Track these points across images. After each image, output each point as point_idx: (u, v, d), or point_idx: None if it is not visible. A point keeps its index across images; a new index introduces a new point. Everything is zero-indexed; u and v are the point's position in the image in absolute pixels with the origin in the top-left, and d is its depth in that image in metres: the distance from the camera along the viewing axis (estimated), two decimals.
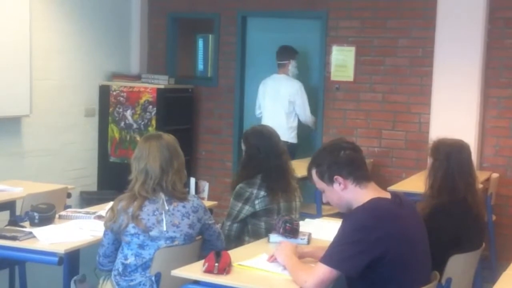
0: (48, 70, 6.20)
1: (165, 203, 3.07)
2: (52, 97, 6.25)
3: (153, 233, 3.04)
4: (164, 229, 3.05)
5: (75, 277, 3.20)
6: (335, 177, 2.72)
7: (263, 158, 3.65)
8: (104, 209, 3.84)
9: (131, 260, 3.06)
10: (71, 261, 3.22)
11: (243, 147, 3.77)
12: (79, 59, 6.53)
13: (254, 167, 3.65)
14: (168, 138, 3.18)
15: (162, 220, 3.05)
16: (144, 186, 3.06)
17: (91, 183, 6.70)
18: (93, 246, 3.29)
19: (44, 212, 3.54)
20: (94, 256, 3.34)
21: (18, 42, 5.71)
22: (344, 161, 2.72)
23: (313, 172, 2.78)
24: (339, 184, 2.71)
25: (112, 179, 6.61)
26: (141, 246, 3.04)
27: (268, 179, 3.62)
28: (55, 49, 6.27)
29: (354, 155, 2.75)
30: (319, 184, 2.78)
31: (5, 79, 5.60)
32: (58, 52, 6.31)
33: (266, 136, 3.74)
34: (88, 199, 6.12)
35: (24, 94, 5.80)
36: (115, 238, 3.11)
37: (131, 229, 3.03)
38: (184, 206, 3.12)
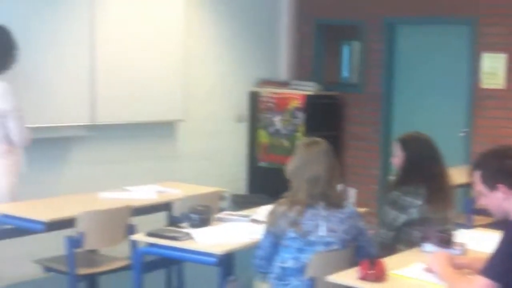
0: (201, 77, 6.44)
1: (323, 208, 3.11)
2: (204, 102, 6.49)
3: (311, 238, 3.08)
4: (322, 234, 3.08)
5: (229, 278, 3.30)
6: (499, 185, 2.62)
7: (425, 165, 3.56)
8: (257, 212, 3.94)
9: (289, 264, 3.11)
10: (228, 262, 3.33)
11: (399, 153, 3.64)
12: (229, 66, 6.74)
13: (415, 174, 3.55)
14: (322, 143, 3.21)
15: (320, 225, 3.09)
16: (304, 192, 3.10)
17: (241, 187, 6.88)
18: (249, 249, 3.38)
19: (202, 214, 3.67)
20: (247, 258, 3.45)
21: (174, 49, 5.99)
22: (511, 170, 2.62)
23: (477, 174, 2.70)
24: (502, 192, 2.62)
25: (261, 183, 6.78)
26: (300, 251, 3.09)
27: (427, 187, 3.53)
28: (207, 56, 6.51)
29: None
30: (479, 187, 2.70)
31: (161, 85, 5.88)
32: (210, 59, 6.55)
33: (428, 142, 3.64)
34: (239, 203, 6.29)
35: (179, 99, 6.08)
36: (274, 242, 3.15)
37: (290, 233, 3.08)
38: (341, 212, 3.15)
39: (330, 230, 3.10)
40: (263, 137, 6.87)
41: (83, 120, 5.31)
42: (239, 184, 6.85)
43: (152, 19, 5.81)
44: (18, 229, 3.91)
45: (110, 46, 5.46)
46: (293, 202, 3.11)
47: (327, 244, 3.09)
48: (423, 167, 3.56)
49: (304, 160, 3.15)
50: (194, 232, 3.47)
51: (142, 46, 5.72)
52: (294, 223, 3.06)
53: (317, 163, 3.12)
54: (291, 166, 3.19)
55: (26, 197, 4.29)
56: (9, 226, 3.96)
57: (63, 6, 5.15)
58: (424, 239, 3.33)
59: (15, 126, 4.08)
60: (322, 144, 3.20)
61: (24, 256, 4.49)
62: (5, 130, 4.10)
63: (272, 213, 3.15)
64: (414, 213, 3.53)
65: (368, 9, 6.79)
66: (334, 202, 3.13)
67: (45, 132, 4.81)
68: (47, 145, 5.00)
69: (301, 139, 3.43)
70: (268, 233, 3.17)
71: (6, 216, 3.86)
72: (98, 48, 5.36)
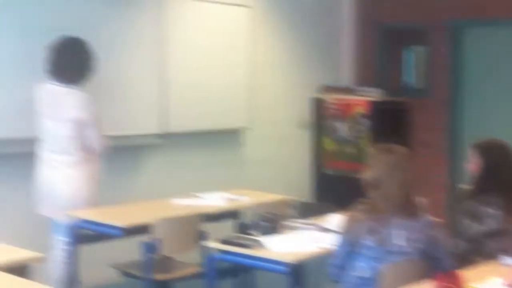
0: (266, 84, 6.52)
1: (400, 217, 3.09)
2: (268, 110, 6.55)
3: (388, 247, 3.06)
4: (398, 243, 3.07)
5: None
6: None
7: (504, 173, 3.45)
8: (325, 220, 3.97)
9: (365, 273, 3.10)
10: (298, 271, 3.36)
11: (477, 159, 3.52)
12: (294, 73, 6.80)
13: (493, 182, 3.45)
14: (400, 150, 3.18)
15: (398, 234, 3.07)
16: (384, 200, 3.08)
17: (306, 194, 6.91)
18: (320, 257, 3.41)
19: (271, 222, 3.72)
20: (317, 267, 3.49)
21: (240, 57, 6.08)
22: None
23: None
24: None
25: (327, 191, 6.76)
26: (376, 260, 3.07)
27: (506, 196, 3.43)
28: (272, 63, 6.57)
29: None
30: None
31: (227, 93, 5.99)
32: (275, 67, 6.61)
33: (507, 149, 3.52)
34: (304, 210, 6.30)
35: (245, 107, 6.17)
36: (349, 250, 3.15)
37: (366, 242, 3.07)
38: (416, 221, 3.13)
39: (407, 240, 3.08)
40: (328, 144, 6.88)
41: (155, 129, 5.45)
42: (304, 191, 6.87)
43: (219, 28, 5.92)
44: (98, 234, 4.06)
45: (179, 55, 5.59)
46: (373, 210, 3.09)
47: (404, 254, 3.08)
48: (501, 175, 3.45)
49: (384, 168, 3.10)
50: (265, 240, 3.51)
51: (209, 55, 5.84)
52: (373, 232, 3.05)
53: (397, 171, 3.09)
54: (369, 174, 3.13)
55: (101, 203, 4.45)
56: (89, 232, 4.12)
57: (134, 17, 5.29)
58: (503, 251, 3.24)
59: (94, 135, 4.25)
60: (401, 151, 3.17)
61: (102, 261, 4.66)
62: (85, 139, 4.27)
63: (349, 221, 3.14)
64: (491, 224, 3.43)
65: (433, 12, 6.69)
66: (411, 211, 3.12)
67: (119, 141, 4.94)
68: (121, 153, 5.15)
69: (375, 146, 3.38)
70: (344, 241, 3.16)
71: (86, 221, 4.02)
72: (168, 58, 5.50)
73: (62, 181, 4.27)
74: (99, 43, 4.54)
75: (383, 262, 3.06)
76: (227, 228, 4.45)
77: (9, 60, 4.55)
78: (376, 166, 3.13)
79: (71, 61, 4.30)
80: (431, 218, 3.22)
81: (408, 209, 3.12)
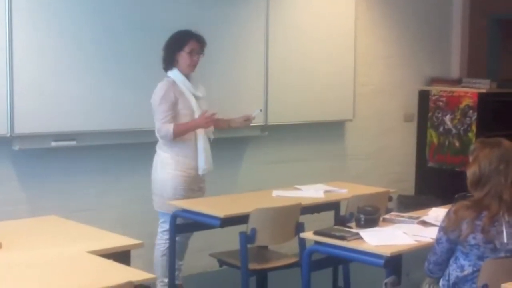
0: (370, 75, 6.44)
1: (505, 214, 2.97)
2: (372, 102, 6.48)
3: (494, 244, 2.96)
4: (505, 241, 2.96)
5: (386, 280, 3.23)
6: None
7: None
8: (426, 214, 3.87)
9: (468, 271, 3.02)
10: (395, 264, 3.31)
11: None
12: (399, 64, 6.67)
13: None
14: (507, 144, 3.04)
15: (503, 231, 2.96)
16: (493, 197, 2.97)
17: (408, 187, 6.79)
18: (416, 252, 3.34)
19: (370, 214, 3.66)
20: (415, 261, 3.42)
21: (343, 48, 6.05)
22: None
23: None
24: None
25: (429, 184, 6.64)
26: (480, 258, 2.98)
27: None
28: (376, 54, 6.49)
29: None
30: None
31: (331, 84, 5.97)
32: (380, 57, 6.52)
33: None
34: (405, 203, 6.22)
35: (348, 99, 6.12)
36: (450, 247, 3.06)
37: (471, 239, 2.97)
38: None
39: None
40: (433, 136, 6.72)
41: (258, 121, 5.48)
42: (407, 184, 6.76)
43: (323, 19, 5.90)
44: (197, 223, 4.15)
45: (282, 47, 5.62)
46: (481, 208, 2.97)
47: (510, 251, 2.96)
48: None
49: (491, 163, 2.98)
50: (362, 232, 3.48)
51: (313, 46, 5.83)
52: (481, 230, 2.94)
53: (505, 164, 2.97)
54: (475, 169, 3.02)
55: (207, 193, 4.55)
56: (189, 221, 4.23)
57: (241, 12, 5.36)
58: None
59: (155, 121, 4.33)
60: (508, 144, 3.03)
61: (201, 249, 4.77)
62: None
63: (453, 217, 3.02)
64: None
65: None
66: None
67: (224, 133, 4.98)
68: (226, 145, 5.24)
69: (479, 140, 3.22)
70: (446, 237, 3.06)
71: (186, 211, 4.12)
72: (271, 49, 5.54)
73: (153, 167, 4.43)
74: (211, 38, 4.60)
75: (487, 260, 2.96)
76: (326, 220, 4.45)
77: (131, 57, 4.75)
78: (483, 161, 3.00)
79: (163, 51, 4.41)
80: None
81: None
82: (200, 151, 4.37)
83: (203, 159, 4.37)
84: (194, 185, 4.40)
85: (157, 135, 4.33)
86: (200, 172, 4.38)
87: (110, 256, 2.93)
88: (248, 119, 4.62)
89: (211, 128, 4.48)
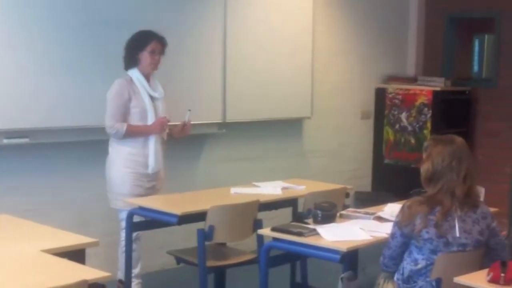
0: (328, 73, 6.47)
1: (458, 209, 3.03)
2: (330, 99, 6.52)
3: (447, 239, 3.01)
4: (457, 235, 3.01)
5: (342, 275, 3.26)
6: None
7: None
8: (381, 210, 3.92)
9: (421, 265, 3.06)
10: (351, 259, 3.34)
11: None
12: (356, 62, 6.73)
13: None
14: (460, 141, 3.10)
15: (455, 226, 3.02)
16: (446, 192, 3.02)
17: (365, 184, 6.86)
18: (372, 247, 3.38)
19: (327, 210, 3.69)
20: (370, 256, 3.45)
21: (301, 46, 6.06)
22: None
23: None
24: None
25: (386, 181, 6.72)
26: (434, 252, 3.03)
27: None
28: (334, 52, 6.53)
29: None
30: None
31: (289, 82, 5.98)
32: (337, 55, 6.56)
33: None
34: (362, 200, 6.28)
35: (306, 96, 6.15)
36: (404, 242, 3.11)
37: (424, 234, 3.02)
38: (474, 212, 3.07)
39: (465, 231, 3.03)
40: (389, 134, 6.80)
41: (216, 118, 5.49)
42: (364, 181, 6.83)
43: (281, 17, 5.91)
44: (154, 221, 4.12)
45: (240, 45, 5.61)
46: (433, 202, 3.03)
47: (462, 245, 3.03)
48: None
49: (444, 160, 3.03)
50: (319, 228, 3.50)
51: (271, 44, 5.84)
52: (434, 225, 2.99)
53: (458, 161, 3.02)
54: (428, 164, 3.06)
55: (164, 191, 4.53)
56: (146, 219, 4.19)
57: (198, 10, 5.33)
58: None
59: (105, 116, 4.33)
60: (460, 141, 3.10)
61: (158, 247, 4.74)
62: None
63: (407, 213, 3.07)
64: None
65: (503, 0, 6.54)
66: (469, 202, 3.05)
67: None
68: (183, 142, 5.22)
69: (433, 137, 3.26)
70: (400, 232, 3.11)
71: (143, 209, 4.09)
72: (229, 47, 5.52)
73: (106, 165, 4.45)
74: (165, 35, 4.58)
75: (440, 254, 3.01)
76: (284, 217, 4.46)
77: (88, 55, 4.70)
78: (436, 158, 3.05)
79: (124, 50, 4.42)
80: (489, 208, 3.14)
81: (470, 201, 3.05)
82: (150, 150, 4.39)
83: (153, 158, 4.38)
84: (144, 183, 4.39)
85: (107, 130, 4.33)
86: (150, 170, 4.39)
87: (64, 255, 2.89)
88: (185, 125, 4.59)
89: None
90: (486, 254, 3.12)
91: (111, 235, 4.46)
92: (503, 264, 2.70)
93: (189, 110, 4.57)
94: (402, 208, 3.12)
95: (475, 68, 7.22)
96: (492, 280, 2.68)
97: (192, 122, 4.68)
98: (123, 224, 4.29)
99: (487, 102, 6.71)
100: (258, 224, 4.05)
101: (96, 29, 4.72)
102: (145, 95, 4.36)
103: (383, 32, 6.91)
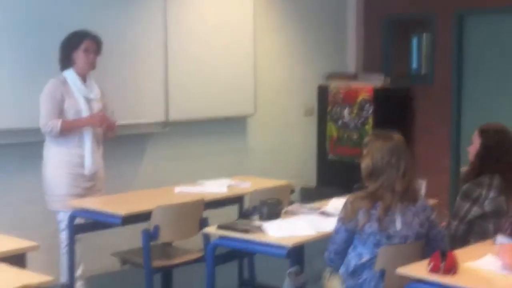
0: (270, 71, 6.51)
1: (398, 203, 3.09)
2: (273, 97, 6.56)
3: (389, 232, 3.07)
4: (398, 228, 3.08)
5: (289, 270, 3.29)
6: None
7: (501, 155, 3.45)
8: (326, 205, 3.97)
9: (366, 258, 3.11)
10: (297, 254, 3.36)
11: (476, 141, 3.55)
12: (298, 59, 6.78)
13: (490, 163, 3.46)
14: (397, 137, 3.17)
15: (397, 219, 3.08)
16: (386, 187, 3.08)
17: (310, 180, 6.92)
18: (318, 242, 3.41)
19: (272, 207, 3.72)
20: (317, 251, 3.48)
21: (242, 45, 6.07)
22: None
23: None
24: None
25: (330, 176, 6.80)
26: (377, 245, 3.08)
27: (503, 178, 3.44)
28: (276, 50, 6.57)
29: None
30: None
31: (231, 81, 5.98)
32: (279, 53, 6.60)
33: (507, 133, 3.53)
34: (308, 195, 6.33)
35: (249, 93, 6.16)
36: (348, 236, 3.15)
37: (367, 228, 3.07)
38: (414, 205, 3.14)
39: (406, 224, 3.09)
40: (333, 130, 6.88)
41: (158, 117, 5.45)
42: (309, 177, 6.89)
43: (222, 16, 5.91)
44: (97, 222, 4.06)
45: (182, 44, 5.58)
46: (375, 197, 3.08)
47: (404, 237, 3.09)
48: (498, 157, 3.46)
49: (383, 156, 3.09)
50: (264, 224, 3.52)
51: (213, 42, 5.83)
52: (376, 219, 3.05)
53: (397, 157, 3.09)
54: (368, 161, 3.12)
55: (106, 191, 4.47)
56: (88, 220, 4.13)
57: (138, 8, 5.28)
58: (498, 232, 3.25)
59: (39, 116, 4.27)
60: (398, 137, 3.17)
61: (102, 249, 4.67)
62: None
63: (349, 208, 3.12)
64: (487, 206, 3.46)
65: (438, 1, 6.71)
66: (408, 196, 3.12)
67: (124, 129, 4.92)
68: (126, 142, 5.17)
69: (373, 133, 3.34)
70: (344, 227, 3.16)
71: (85, 210, 4.03)
72: (170, 46, 5.48)
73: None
74: (106, 37, 4.52)
75: (383, 246, 3.07)
76: (231, 214, 4.46)
77: (28, 56, 4.60)
78: (375, 155, 3.11)
79: (59, 51, 4.38)
80: (428, 200, 3.23)
81: (410, 195, 3.12)
82: (87, 151, 4.34)
83: (90, 159, 4.34)
84: (82, 183, 4.34)
85: (42, 130, 4.26)
86: (87, 172, 4.34)
87: (4, 259, 2.82)
88: (110, 126, 4.47)
89: (100, 130, 4.41)
90: (426, 245, 3.20)
91: (50, 238, 4.37)
92: (443, 254, 2.76)
93: (112, 111, 4.52)
94: (345, 204, 3.18)
95: (414, 65, 7.37)
96: (433, 270, 2.74)
97: (135, 122, 4.64)
98: (62, 225, 4.24)
99: (424, 98, 6.87)
100: (204, 223, 4.04)
101: (32, 30, 4.63)
102: (79, 96, 4.32)
103: (323, 30, 6.98)
